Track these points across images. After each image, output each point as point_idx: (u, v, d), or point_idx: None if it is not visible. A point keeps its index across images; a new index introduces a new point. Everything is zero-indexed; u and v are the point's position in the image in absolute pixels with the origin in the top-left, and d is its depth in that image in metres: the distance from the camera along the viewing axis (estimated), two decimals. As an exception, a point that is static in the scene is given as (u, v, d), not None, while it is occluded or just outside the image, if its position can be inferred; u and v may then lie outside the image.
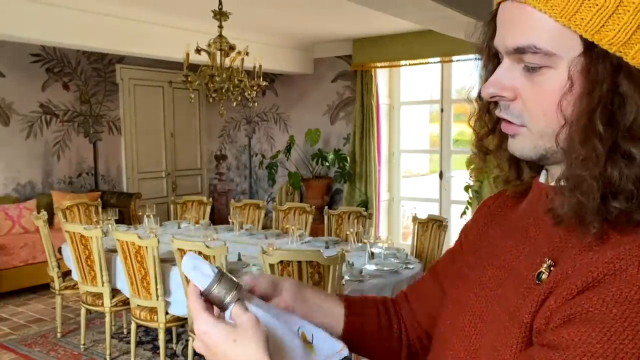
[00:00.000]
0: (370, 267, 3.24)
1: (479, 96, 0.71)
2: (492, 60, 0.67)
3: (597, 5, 0.54)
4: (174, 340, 4.03)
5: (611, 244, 0.56)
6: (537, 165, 0.69)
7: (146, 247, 3.27)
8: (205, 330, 0.65)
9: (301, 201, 6.75)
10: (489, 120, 0.70)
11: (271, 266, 2.74)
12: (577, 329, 0.52)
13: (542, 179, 0.69)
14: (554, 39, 0.57)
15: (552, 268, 0.59)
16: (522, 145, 0.64)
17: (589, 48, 0.56)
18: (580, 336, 0.51)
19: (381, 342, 0.85)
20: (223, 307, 0.67)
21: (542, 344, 0.55)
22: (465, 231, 0.85)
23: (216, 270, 0.67)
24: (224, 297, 0.66)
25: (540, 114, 0.60)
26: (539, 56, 0.58)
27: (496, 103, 0.65)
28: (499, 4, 0.63)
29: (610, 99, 0.55)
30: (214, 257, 2.98)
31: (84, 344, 3.97)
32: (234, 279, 0.68)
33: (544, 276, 0.59)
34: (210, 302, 0.67)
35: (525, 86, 0.61)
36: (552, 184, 0.66)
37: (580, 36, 0.56)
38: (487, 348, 0.63)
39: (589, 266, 0.54)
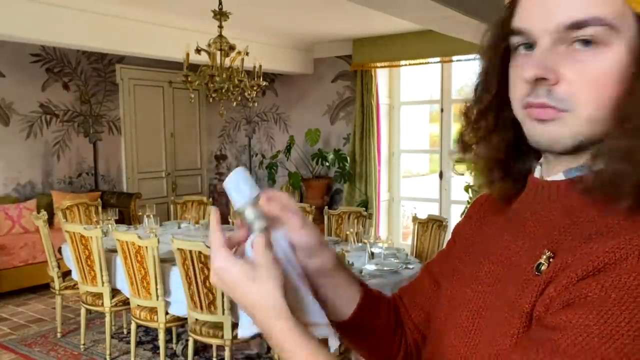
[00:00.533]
0: (370, 267, 3.24)
1: (484, 90, 0.70)
2: (502, 54, 0.66)
3: None
4: (174, 340, 4.03)
5: (612, 233, 0.56)
6: (529, 159, 0.69)
7: (146, 247, 3.27)
8: (222, 267, 0.65)
9: (301, 201, 6.75)
10: (492, 120, 0.69)
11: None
12: (575, 312, 0.53)
13: (536, 174, 0.69)
14: (619, 13, 0.55)
15: (551, 259, 0.59)
16: (558, 133, 0.60)
17: None
18: (578, 318, 0.52)
19: (383, 340, 0.84)
20: (250, 232, 0.68)
21: (541, 326, 0.56)
22: (457, 229, 0.84)
23: (256, 194, 0.67)
24: (253, 222, 0.67)
25: (591, 97, 0.57)
26: (602, 30, 0.55)
27: (500, 104, 0.65)
28: None
29: None
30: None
31: (84, 344, 3.97)
32: (262, 213, 0.68)
33: (543, 267, 0.59)
34: (231, 243, 0.67)
35: (571, 68, 0.58)
36: (549, 179, 0.65)
37: (636, 13, 0.55)
38: (486, 341, 0.63)
39: (589, 255, 0.55)
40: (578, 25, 0.56)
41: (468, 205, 5.50)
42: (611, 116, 0.57)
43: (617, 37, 0.56)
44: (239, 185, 0.68)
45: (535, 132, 0.62)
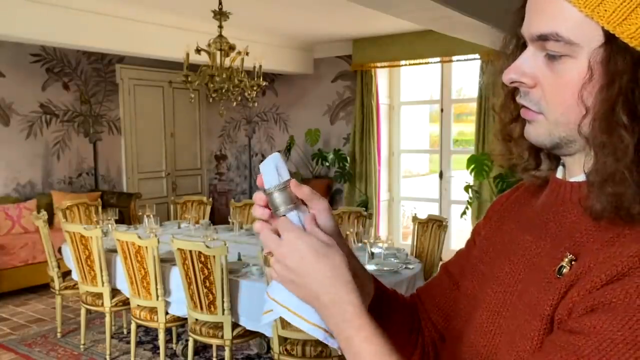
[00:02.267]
0: (370, 267, 3.24)
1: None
2: (519, 48, 0.67)
3: None
4: (174, 340, 4.03)
5: (634, 237, 0.56)
6: (555, 157, 0.70)
7: (146, 247, 3.27)
8: (293, 240, 0.65)
9: (301, 201, 6.74)
10: (514, 108, 0.70)
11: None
12: (599, 317, 0.53)
13: (559, 174, 0.69)
14: (577, 29, 0.58)
15: (573, 262, 0.59)
16: (537, 132, 0.64)
17: (610, 40, 0.56)
18: (602, 324, 0.52)
19: (397, 339, 0.82)
20: (276, 214, 0.69)
21: (563, 329, 0.56)
22: (477, 230, 0.84)
23: (286, 179, 0.69)
24: (279, 206, 0.68)
25: (558, 103, 0.61)
26: (561, 44, 0.59)
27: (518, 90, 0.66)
28: None
29: (631, 92, 0.55)
30: (214, 257, 2.98)
31: (84, 344, 3.97)
32: (295, 197, 0.69)
33: (565, 270, 0.60)
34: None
35: (545, 74, 0.62)
36: (572, 180, 0.66)
37: (602, 27, 0.56)
38: (507, 342, 0.63)
39: (612, 260, 0.55)
40: (543, 38, 0.60)
41: (468, 206, 5.51)
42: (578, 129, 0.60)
43: (581, 51, 0.58)
44: (272, 168, 0.70)
45: (525, 129, 0.67)
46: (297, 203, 0.69)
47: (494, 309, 0.67)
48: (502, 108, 0.73)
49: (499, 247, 0.74)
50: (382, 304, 0.81)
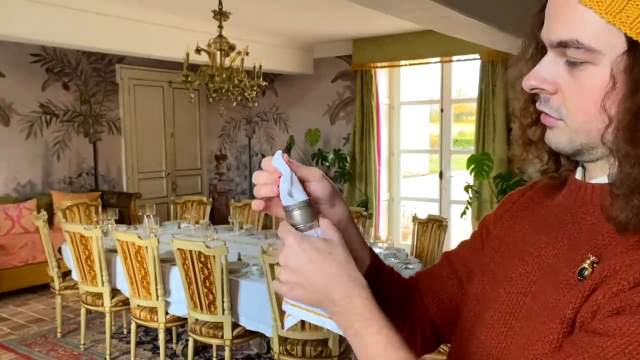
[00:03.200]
0: (370, 267, 3.23)
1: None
2: (539, 51, 0.67)
3: None
4: (174, 340, 4.03)
5: None
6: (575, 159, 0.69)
7: (146, 247, 3.27)
8: (300, 240, 0.65)
9: (301, 201, 6.74)
10: (534, 111, 0.69)
11: (271, 266, 2.74)
12: (625, 319, 0.52)
13: (578, 175, 0.68)
14: (598, 35, 0.56)
15: (595, 265, 0.59)
16: (558, 139, 0.64)
17: (633, 46, 0.55)
18: (629, 326, 0.51)
19: (386, 308, 0.84)
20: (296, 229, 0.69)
21: (586, 330, 0.55)
22: (486, 225, 0.83)
23: (304, 198, 0.69)
24: (298, 224, 0.68)
25: (579, 110, 0.60)
26: (582, 52, 0.58)
27: (538, 95, 0.65)
28: None
29: None
30: (214, 257, 2.98)
31: (84, 344, 3.97)
32: (314, 215, 0.69)
33: (586, 272, 0.59)
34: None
35: (566, 81, 0.61)
36: (593, 181, 0.65)
37: (625, 34, 0.55)
38: (520, 343, 0.62)
39: None
40: (563, 45, 0.59)
41: (468, 206, 5.51)
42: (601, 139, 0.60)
43: (603, 58, 0.57)
44: (290, 184, 0.69)
45: (546, 135, 0.66)
46: (316, 222, 0.69)
47: (507, 310, 0.67)
48: (521, 112, 0.72)
49: (511, 247, 0.73)
50: (377, 274, 0.81)
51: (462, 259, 0.83)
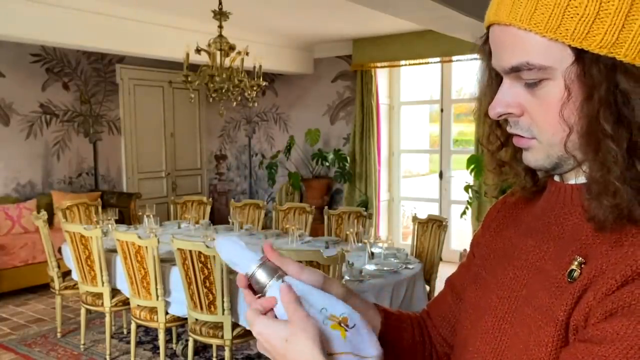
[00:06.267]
0: (370, 267, 3.24)
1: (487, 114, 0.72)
2: (494, 78, 0.68)
3: (578, 14, 0.55)
4: (174, 340, 4.03)
5: None
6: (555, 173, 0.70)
7: (146, 247, 3.27)
8: (260, 332, 0.66)
9: (301, 201, 6.75)
10: (501, 134, 0.71)
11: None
12: (620, 322, 0.52)
13: (556, 177, 0.69)
14: (546, 53, 0.58)
15: (583, 265, 0.59)
16: (535, 157, 0.65)
17: (580, 55, 0.57)
18: (625, 330, 0.51)
19: (414, 357, 0.85)
20: (263, 293, 0.69)
21: (584, 340, 0.55)
22: (476, 239, 0.85)
23: (259, 256, 0.69)
24: (265, 283, 0.68)
25: (546, 125, 0.62)
26: (535, 71, 0.59)
27: (506, 120, 0.66)
28: (487, 28, 0.65)
29: (613, 99, 0.55)
30: (214, 257, 2.98)
31: (84, 344, 3.97)
32: (275, 266, 0.69)
33: (575, 273, 0.59)
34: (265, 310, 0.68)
35: (529, 101, 0.62)
36: (571, 182, 0.66)
37: (569, 45, 0.57)
38: (516, 348, 0.63)
39: (625, 260, 0.55)
40: (516, 69, 0.61)
41: (468, 206, 5.51)
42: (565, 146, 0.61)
43: (556, 71, 0.59)
44: (238, 253, 0.69)
45: (523, 156, 0.67)
46: (279, 272, 0.69)
47: (500, 315, 0.67)
48: (487, 139, 0.74)
49: (500, 254, 0.74)
50: (390, 329, 0.83)
51: (462, 280, 0.85)
